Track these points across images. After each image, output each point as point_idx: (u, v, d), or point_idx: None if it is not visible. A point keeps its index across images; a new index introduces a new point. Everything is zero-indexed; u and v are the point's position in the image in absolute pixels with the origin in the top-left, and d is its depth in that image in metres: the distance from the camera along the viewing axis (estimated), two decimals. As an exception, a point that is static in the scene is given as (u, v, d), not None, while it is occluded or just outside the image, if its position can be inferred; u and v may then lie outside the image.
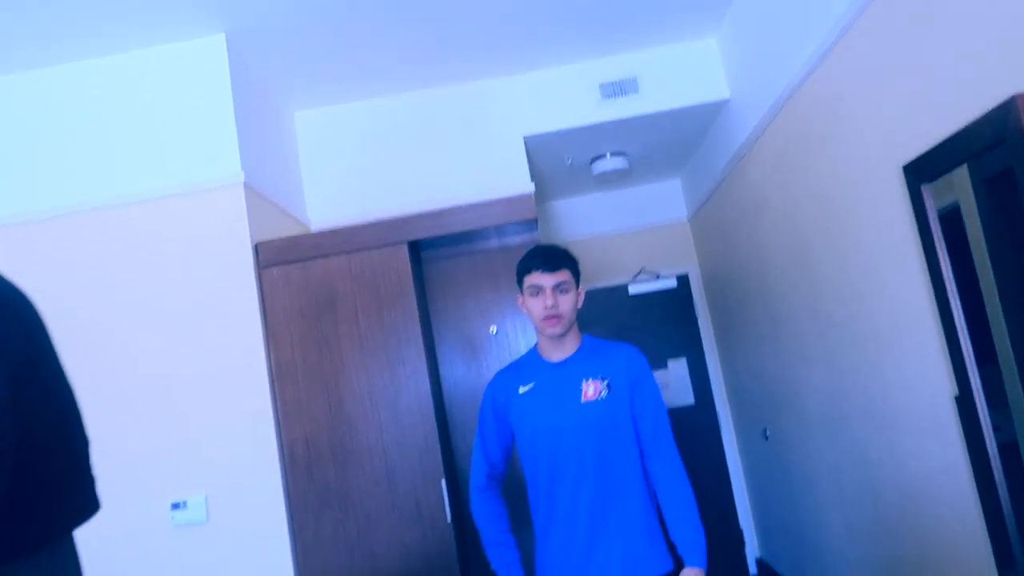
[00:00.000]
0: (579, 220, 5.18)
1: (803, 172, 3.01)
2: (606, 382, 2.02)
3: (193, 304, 2.77)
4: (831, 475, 3.26)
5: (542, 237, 3.11)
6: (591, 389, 2.01)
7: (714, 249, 4.68)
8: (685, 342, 4.99)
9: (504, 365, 2.93)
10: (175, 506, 2.63)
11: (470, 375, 2.96)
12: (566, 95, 3.73)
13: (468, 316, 3.00)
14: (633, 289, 4.98)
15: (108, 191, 2.86)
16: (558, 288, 2.03)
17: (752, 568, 4.83)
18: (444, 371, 2.98)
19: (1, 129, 2.94)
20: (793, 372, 3.55)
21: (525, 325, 2.96)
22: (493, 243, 3.05)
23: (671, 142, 4.31)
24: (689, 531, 1.95)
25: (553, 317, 2.01)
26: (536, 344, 2.17)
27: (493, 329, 2.96)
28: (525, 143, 3.75)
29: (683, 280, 5.05)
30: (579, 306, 2.08)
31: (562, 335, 2.06)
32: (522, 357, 2.22)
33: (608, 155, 4.33)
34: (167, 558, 2.61)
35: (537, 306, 2.03)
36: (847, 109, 2.53)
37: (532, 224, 2.96)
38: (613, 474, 1.98)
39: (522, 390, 2.09)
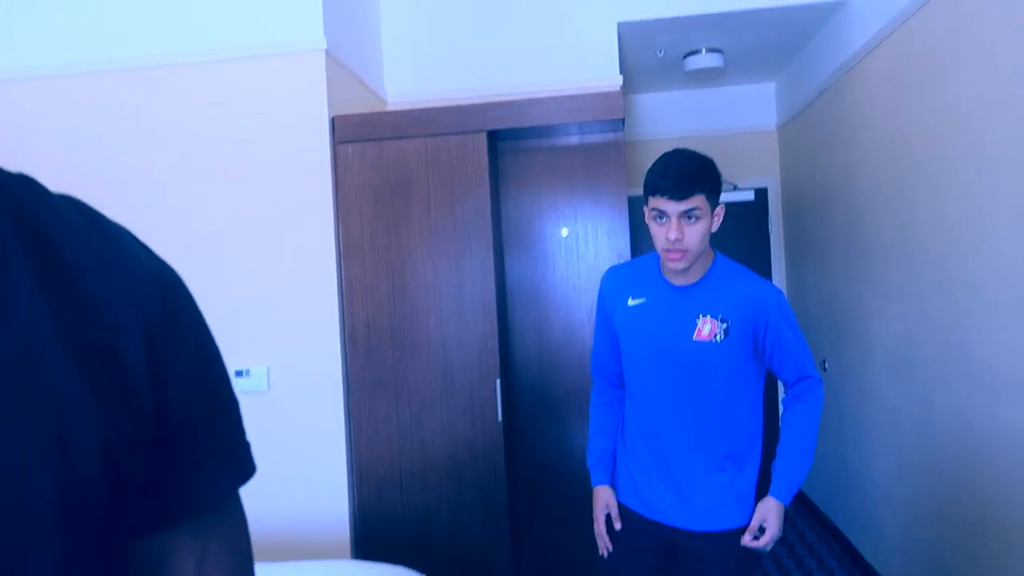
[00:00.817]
0: (661, 118, 4.93)
1: (919, 93, 2.75)
2: (725, 325, 1.76)
3: (266, 172, 2.72)
4: (889, 417, 3.18)
5: (626, 136, 2.94)
6: (707, 328, 1.76)
7: (800, 164, 4.43)
8: (753, 261, 4.83)
9: (573, 269, 2.88)
10: (239, 374, 2.69)
11: (535, 276, 2.89)
12: (669, -19, 3.44)
13: (540, 215, 2.90)
14: (708, 197, 4.78)
15: (186, 46, 2.77)
16: (686, 216, 1.70)
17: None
18: (509, 269, 2.92)
19: (81, -33, 2.83)
20: (866, 305, 3.41)
21: (597, 231, 2.85)
22: (574, 139, 2.90)
23: (773, 42, 3.99)
24: (787, 464, 1.82)
25: (677, 252, 1.72)
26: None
27: (564, 232, 2.86)
28: (618, 29, 3.50)
29: (761, 194, 4.83)
30: (715, 229, 1.76)
31: (686, 269, 1.78)
32: (639, 260, 1.97)
33: (704, 51, 4.04)
34: (227, 419, 2.69)
35: (660, 235, 1.73)
36: (985, 27, 2.26)
37: (618, 124, 2.79)
38: (710, 419, 1.81)
39: (631, 302, 1.86)
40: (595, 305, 2.07)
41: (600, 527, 1.95)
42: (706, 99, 4.92)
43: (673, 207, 1.70)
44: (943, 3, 2.52)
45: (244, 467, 0.56)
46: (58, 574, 0.44)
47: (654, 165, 1.77)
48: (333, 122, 2.74)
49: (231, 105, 2.74)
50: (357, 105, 3.02)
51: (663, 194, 1.70)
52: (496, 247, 2.79)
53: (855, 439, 3.65)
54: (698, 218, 1.70)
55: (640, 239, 4.74)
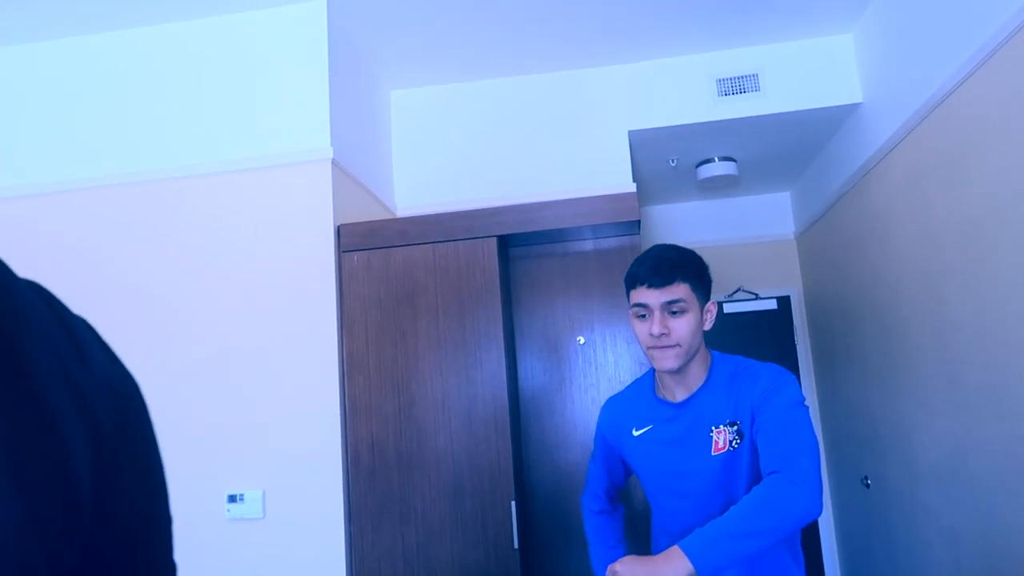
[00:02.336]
0: (676, 228, 4.87)
1: (944, 193, 2.64)
2: (736, 427, 1.55)
3: (268, 283, 2.62)
4: (946, 539, 2.88)
5: (643, 242, 2.84)
6: (722, 438, 1.55)
7: (822, 271, 4.29)
8: (781, 368, 4.61)
9: (591, 380, 2.70)
10: (232, 499, 2.48)
11: (551, 387, 2.71)
12: (678, 89, 3.44)
13: (555, 323, 2.75)
14: (729, 308, 4.64)
15: (192, 158, 2.75)
16: (669, 308, 1.54)
17: (835, 622, 4.43)
18: (523, 381, 2.74)
19: (93, 88, 2.86)
20: (907, 417, 3.17)
21: (615, 338, 2.69)
22: (588, 245, 2.79)
23: (787, 149, 3.96)
24: (716, 523, 1.34)
25: (663, 348, 1.54)
26: (652, 371, 1.71)
27: (581, 340, 2.71)
28: (629, 138, 3.47)
29: (783, 302, 4.68)
30: (707, 327, 1.59)
31: (677, 370, 1.58)
32: (634, 385, 1.79)
33: (716, 159, 4.01)
34: (221, 552, 2.46)
35: (643, 332, 1.56)
36: (1010, 121, 2.17)
37: (634, 226, 2.69)
38: None
39: (636, 433, 1.68)
40: None
41: None
42: (721, 209, 4.86)
43: (655, 297, 1.54)
44: (967, 96, 2.45)
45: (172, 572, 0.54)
46: None
47: (633, 263, 1.64)
48: (339, 231, 2.66)
49: (235, 216, 2.68)
50: (364, 215, 2.96)
51: (642, 283, 1.56)
52: (508, 358, 2.63)
53: (908, 563, 3.31)
54: (684, 310, 1.54)
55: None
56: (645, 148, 3.71)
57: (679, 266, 1.56)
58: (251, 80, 2.78)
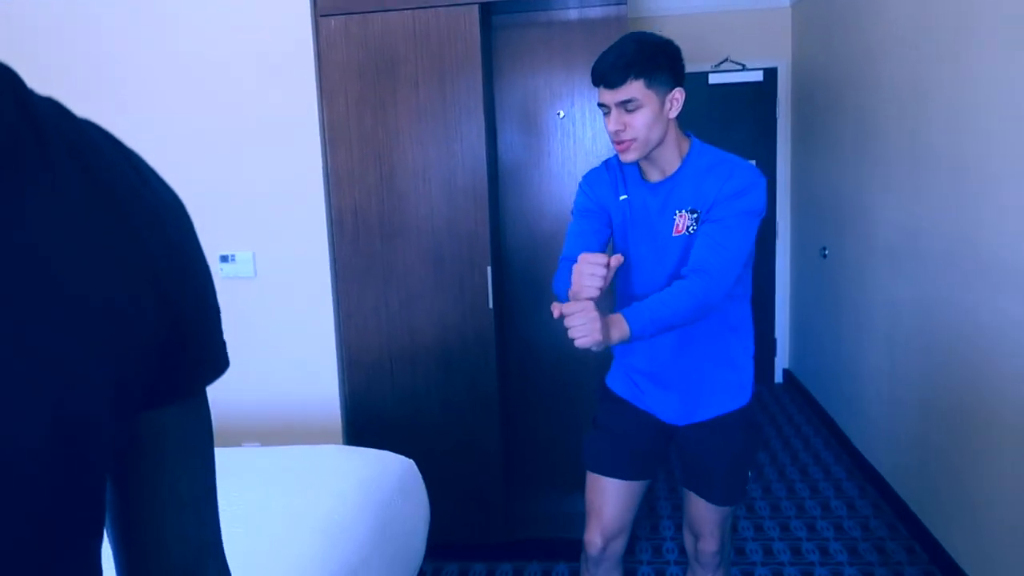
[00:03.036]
0: (667, -9, 4.64)
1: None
2: (696, 215, 1.68)
3: (246, 51, 2.57)
4: (886, 308, 3.15)
5: (629, 11, 2.75)
6: (682, 222, 1.69)
7: (813, 43, 4.20)
8: (759, 143, 4.68)
9: (569, 153, 2.76)
10: (223, 259, 2.63)
11: (530, 160, 2.78)
12: None
13: (536, 95, 2.75)
14: (714, 78, 4.58)
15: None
16: (624, 107, 1.62)
17: (779, 376, 4.92)
18: (503, 153, 2.80)
19: None
20: (871, 194, 3.31)
21: (595, 112, 2.72)
22: (573, 14, 2.71)
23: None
24: (650, 302, 1.58)
25: (621, 143, 1.65)
26: None
27: (561, 113, 2.73)
28: None
29: (770, 74, 4.62)
30: (671, 115, 1.66)
31: (640, 159, 1.69)
32: (616, 158, 1.84)
33: (716, -83, 3.74)
34: (215, 306, 2.65)
35: (607, 127, 1.67)
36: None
37: (620, -3, 2.61)
38: None
39: (622, 197, 1.79)
40: None
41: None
42: (717, -29, 4.61)
43: (609, 97, 1.64)
44: None
45: (224, 363, 0.66)
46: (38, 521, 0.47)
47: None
48: (314, -8, 2.56)
49: (203, -28, 2.55)
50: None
51: (599, 82, 1.65)
52: (488, 130, 2.66)
53: (850, 329, 3.64)
54: (637, 108, 1.62)
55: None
56: (641, -99, 3.44)
57: (632, 64, 1.60)
58: None
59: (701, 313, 1.62)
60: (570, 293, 1.61)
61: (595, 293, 1.57)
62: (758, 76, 4.60)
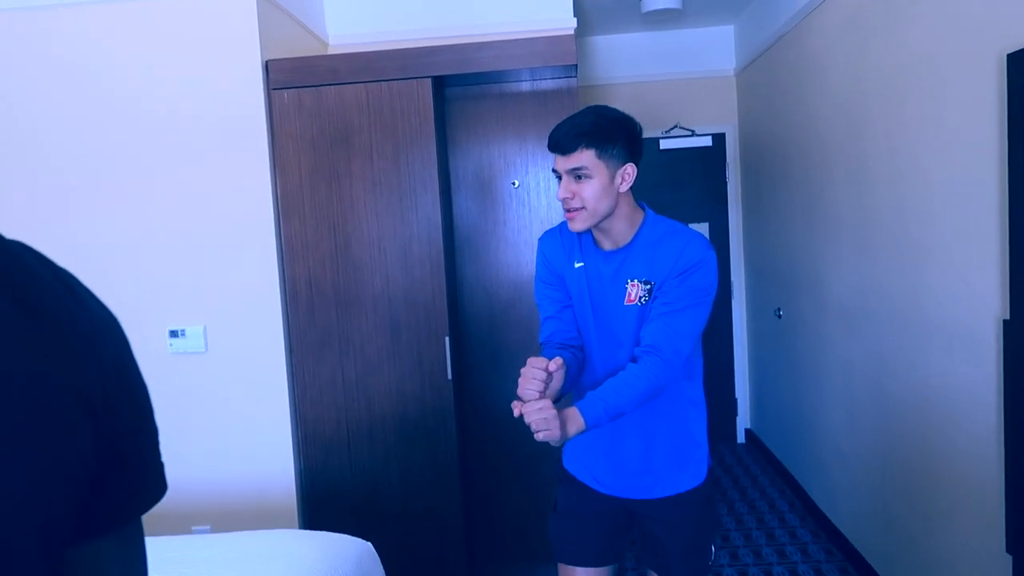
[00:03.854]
0: (617, 61, 4.78)
1: (875, 43, 2.67)
2: (649, 287, 1.69)
3: (197, 123, 2.55)
4: (841, 368, 3.19)
5: (580, 80, 2.82)
6: (635, 292, 1.70)
7: (759, 110, 4.35)
8: (710, 206, 4.78)
9: (524, 222, 2.78)
10: (173, 334, 2.56)
11: (485, 228, 2.79)
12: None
13: (490, 165, 2.78)
14: (665, 144, 4.70)
15: (102, -19, 2.55)
16: (574, 174, 1.64)
17: (740, 436, 4.93)
18: (458, 222, 2.81)
19: None
20: (821, 256, 3.38)
21: (549, 181, 2.75)
22: (525, 85, 2.77)
23: (733, -16, 3.86)
24: (604, 391, 1.60)
25: (570, 211, 1.66)
26: None
27: (515, 183, 2.76)
28: (572, -32, 3.34)
29: (719, 139, 4.76)
30: (622, 189, 1.67)
31: (592, 229, 1.71)
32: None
33: (661, -8, 3.89)
34: (165, 385, 2.56)
35: (558, 194, 1.69)
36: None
37: (572, 69, 2.67)
38: None
39: (577, 265, 1.79)
40: None
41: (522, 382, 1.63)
42: (663, 41, 4.77)
43: (561, 164, 1.66)
44: (905, -57, 2.42)
45: (162, 489, 0.64)
46: None
47: None
48: (267, 67, 2.57)
49: (158, 52, 2.54)
50: (294, 48, 2.84)
51: (552, 149, 1.68)
52: (444, 200, 2.67)
53: (808, 388, 3.67)
54: (588, 176, 1.64)
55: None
56: (588, -23, 3.57)
57: (585, 133, 1.63)
58: None
59: (654, 395, 1.65)
60: (518, 392, 1.60)
61: (535, 396, 1.57)
62: (707, 141, 4.73)
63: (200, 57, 2.53)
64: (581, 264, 1.79)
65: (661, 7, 3.90)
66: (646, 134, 4.72)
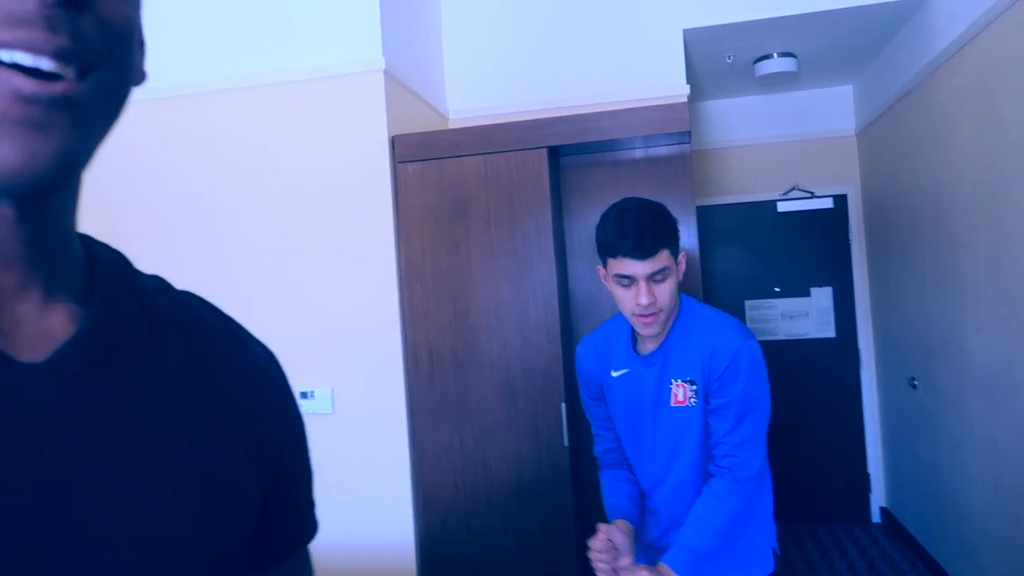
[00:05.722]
0: (731, 124, 4.76)
1: (1013, 99, 2.54)
2: (695, 386, 1.63)
3: (328, 195, 2.72)
4: (987, 443, 2.95)
5: (693, 144, 2.83)
6: (680, 392, 1.64)
7: (882, 170, 4.19)
8: (833, 270, 4.61)
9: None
10: (303, 395, 2.68)
11: (602, 293, 2.80)
12: (738, -15, 3.30)
13: (605, 231, 2.80)
14: (783, 206, 4.60)
15: (243, 70, 2.79)
16: (655, 278, 1.55)
17: (875, 515, 4.59)
18: (574, 288, 2.83)
19: (152, 4, 2.90)
20: (959, 323, 3.18)
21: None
22: (639, 152, 2.80)
23: (851, 44, 3.79)
24: (692, 531, 1.57)
25: (650, 315, 1.58)
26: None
27: (631, 248, 2.76)
28: (684, 37, 3.38)
29: (840, 201, 4.61)
30: (681, 278, 1.63)
31: (661, 331, 1.65)
32: (611, 329, 1.81)
33: (775, 55, 3.88)
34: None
35: (627, 300, 1.58)
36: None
37: (685, 136, 2.68)
38: (700, 481, 1.68)
39: (615, 374, 1.75)
40: None
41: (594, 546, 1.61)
42: (779, 104, 4.72)
43: (640, 269, 1.54)
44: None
45: (314, 527, 0.67)
46: None
47: (605, 221, 1.61)
48: (393, 142, 2.72)
49: (290, 129, 2.75)
50: (418, 123, 3.00)
51: (625, 255, 1.55)
52: (559, 266, 2.71)
53: (950, 464, 3.41)
54: (666, 278, 1.57)
55: (708, 252, 4.59)
56: (700, 45, 3.61)
57: (661, 234, 1.56)
58: (302, -11, 2.78)
59: (736, 515, 1.60)
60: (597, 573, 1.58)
61: (610, 568, 1.54)
62: (827, 203, 4.60)
63: (332, 134, 2.71)
64: (622, 372, 1.74)
65: (776, 71, 3.88)
66: (762, 196, 4.65)
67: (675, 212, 2.70)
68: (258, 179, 2.77)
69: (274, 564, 0.61)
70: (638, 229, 1.53)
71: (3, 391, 0.44)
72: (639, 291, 1.55)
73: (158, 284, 0.59)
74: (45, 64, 0.41)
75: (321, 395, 2.69)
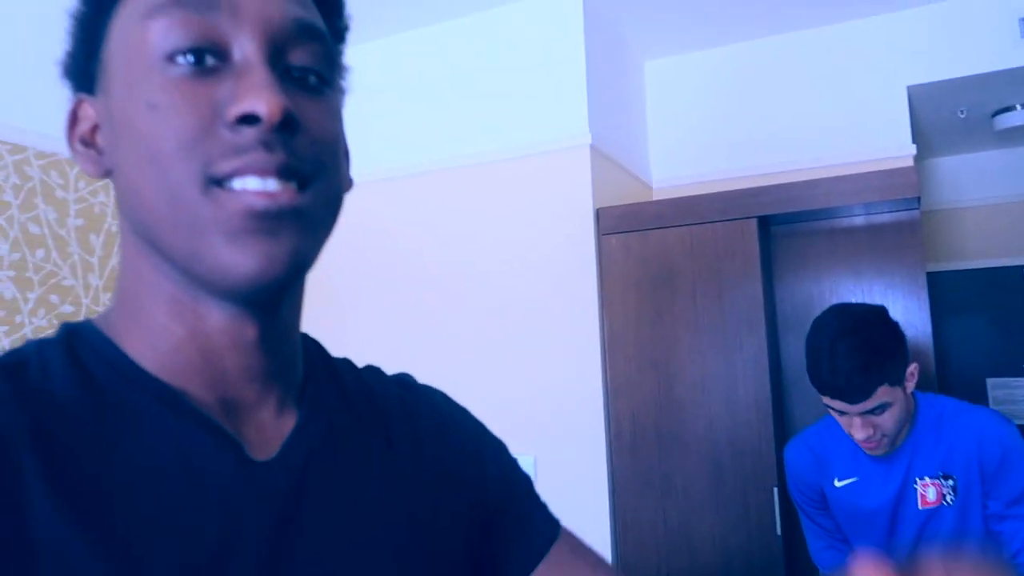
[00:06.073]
0: (965, 182, 4.32)
1: None
2: (951, 482, 1.47)
3: (534, 267, 2.80)
4: None
5: (923, 205, 2.60)
6: (931, 492, 1.49)
7: None
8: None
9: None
10: (506, 464, 2.74)
11: (817, 369, 2.62)
12: (971, 33, 3.04)
13: (821, 302, 2.63)
14: (1033, 273, 4.07)
15: (457, 151, 2.98)
16: (873, 412, 1.45)
17: None
18: (786, 363, 2.68)
19: (364, 90, 3.20)
20: None
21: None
22: (859, 220, 2.63)
23: (1114, 90, 3.34)
24: None
25: (871, 443, 1.48)
26: None
27: (850, 321, 2.57)
28: (908, 94, 3.15)
29: (1107, 264, 4.00)
30: (911, 389, 1.50)
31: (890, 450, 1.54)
32: (828, 429, 1.68)
33: (1018, 107, 3.50)
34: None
35: (845, 426, 1.50)
36: None
37: (913, 201, 2.48)
38: None
39: (839, 484, 1.62)
40: None
41: None
42: (1021, 158, 4.23)
43: (852, 409, 1.44)
44: None
45: (553, 525, 0.75)
46: None
47: (811, 352, 1.49)
48: (598, 214, 2.77)
49: (502, 203, 2.88)
50: (622, 195, 3.03)
51: (834, 397, 1.45)
52: (770, 340, 2.58)
53: None
54: (885, 409, 1.43)
55: (941, 323, 4.15)
56: (928, 101, 3.34)
57: (871, 371, 1.40)
58: (512, 72, 2.94)
59: None
60: None
61: None
62: (1091, 268, 4.01)
63: (539, 207, 2.81)
64: (849, 481, 1.60)
65: (1020, 124, 3.49)
66: (1009, 262, 4.15)
67: (903, 283, 2.52)
68: (469, 252, 2.92)
69: (546, 546, 0.68)
70: (847, 374, 1.41)
71: (252, 489, 0.50)
72: (854, 425, 1.47)
73: (347, 364, 0.66)
74: (271, 184, 0.47)
75: (524, 463, 2.72)
